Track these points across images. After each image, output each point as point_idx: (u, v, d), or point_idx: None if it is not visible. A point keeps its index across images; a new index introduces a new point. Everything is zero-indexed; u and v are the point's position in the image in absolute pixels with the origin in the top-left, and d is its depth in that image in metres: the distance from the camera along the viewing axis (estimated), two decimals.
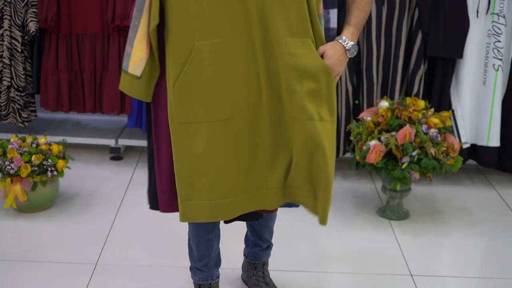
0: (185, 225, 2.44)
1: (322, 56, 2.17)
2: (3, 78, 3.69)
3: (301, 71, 2.15)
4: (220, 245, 2.51)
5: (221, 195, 2.23)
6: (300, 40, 2.14)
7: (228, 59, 2.13)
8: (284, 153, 2.27)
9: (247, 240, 2.62)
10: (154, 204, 2.40)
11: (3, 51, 3.67)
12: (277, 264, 2.76)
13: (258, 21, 2.11)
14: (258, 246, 2.59)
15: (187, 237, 2.49)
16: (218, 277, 2.56)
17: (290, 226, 3.09)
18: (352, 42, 2.20)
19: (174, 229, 2.83)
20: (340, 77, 3.49)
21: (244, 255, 2.66)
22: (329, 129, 2.20)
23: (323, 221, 2.24)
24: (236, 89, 2.17)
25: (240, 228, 2.54)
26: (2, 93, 3.72)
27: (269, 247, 2.64)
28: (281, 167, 2.28)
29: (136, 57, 2.12)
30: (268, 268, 2.68)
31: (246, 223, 2.51)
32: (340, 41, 2.20)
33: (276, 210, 2.39)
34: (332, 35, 3.51)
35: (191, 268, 2.53)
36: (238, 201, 2.26)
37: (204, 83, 2.14)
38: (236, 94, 2.17)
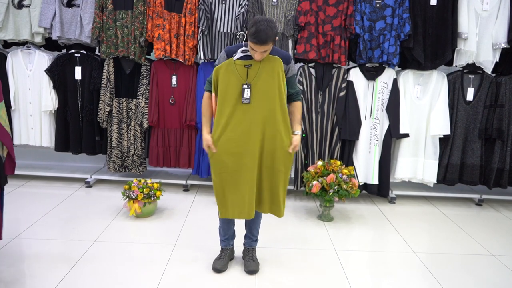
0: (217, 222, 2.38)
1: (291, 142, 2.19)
2: (130, 150, 3.68)
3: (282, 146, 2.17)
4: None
5: (239, 206, 2.21)
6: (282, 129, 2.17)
7: (244, 135, 2.14)
8: (261, 188, 2.24)
9: (245, 235, 2.46)
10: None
11: (131, 136, 3.65)
12: (262, 243, 2.69)
13: (262, 127, 2.14)
14: (250, 238, 2.44)
15: (218, 225, 2.44)
16: (233, 245, 2.46)
17: (272, 225, 3.05)
18: (299, 131, 2.22)
19: (213, 227, 2.76)
20: (298, 149, 3.55)
21: (243, 244, 2.48)
22: (286, 175, 2.22)
23: (281, 214, 2.25)
24: (246, 151, 2.15)
25: (242, 230, 2.47)
26: (129, 157, 3.69)
27: (256, 240, 2.46)
28: (260, 195, 2.26)
29: None
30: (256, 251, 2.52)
31: (245, 224, 2.44)
32: (297, 133, 2.19)
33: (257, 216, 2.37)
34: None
35: (220, 240, 2.43)
36: (244, 210, 2.21)
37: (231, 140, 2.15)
38: (246, 151, 2.16)
